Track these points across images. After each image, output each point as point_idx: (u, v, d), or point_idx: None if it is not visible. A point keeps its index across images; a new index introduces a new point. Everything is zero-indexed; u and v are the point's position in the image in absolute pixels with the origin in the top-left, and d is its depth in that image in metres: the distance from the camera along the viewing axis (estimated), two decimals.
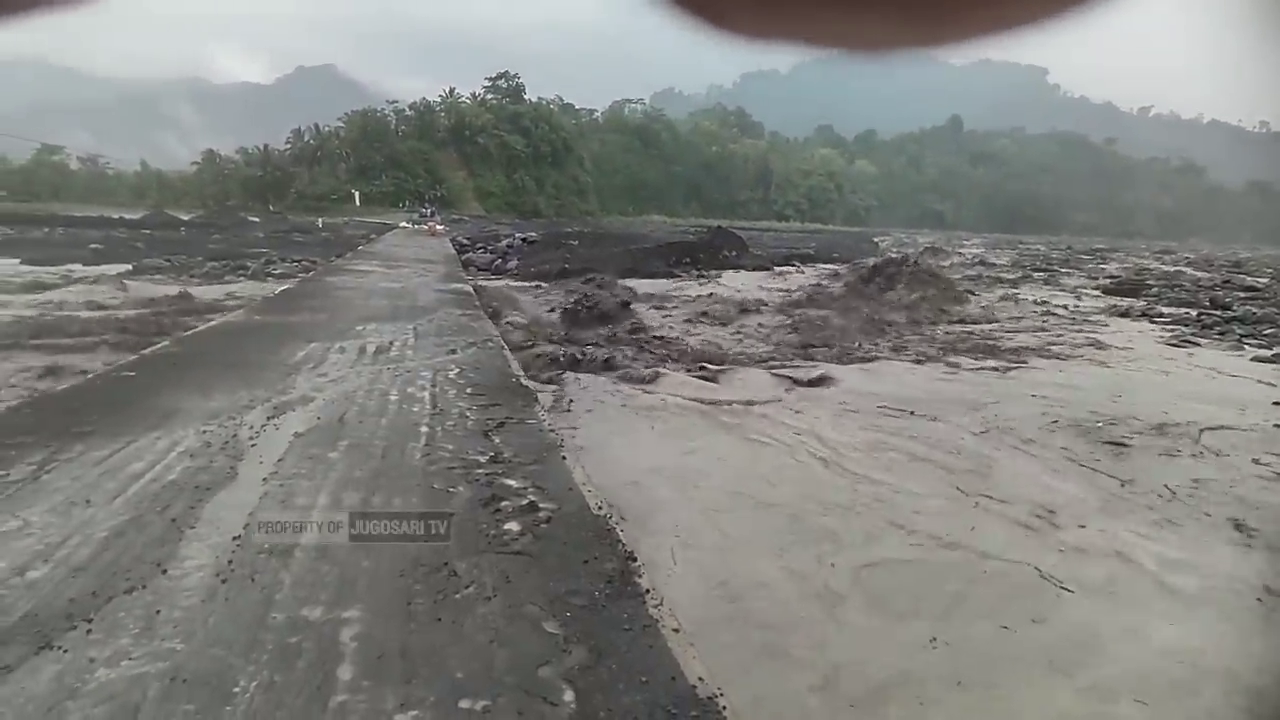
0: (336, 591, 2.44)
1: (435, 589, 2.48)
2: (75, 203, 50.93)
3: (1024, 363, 9.21)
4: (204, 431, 4.02)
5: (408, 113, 74.27)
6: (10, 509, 2.94)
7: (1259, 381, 8.54)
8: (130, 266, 16.22)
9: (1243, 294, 18.98)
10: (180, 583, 2.44)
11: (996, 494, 4.70)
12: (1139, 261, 34.62)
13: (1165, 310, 15.72)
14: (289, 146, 66.96)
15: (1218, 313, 15.03)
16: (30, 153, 58.48)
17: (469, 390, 5.40)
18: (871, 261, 18.38)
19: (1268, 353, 10.74)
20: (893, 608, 3.31)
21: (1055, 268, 29.35)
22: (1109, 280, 22.97)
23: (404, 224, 39.77)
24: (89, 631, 2.15)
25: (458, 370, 6.06)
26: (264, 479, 3.44)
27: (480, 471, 3.67)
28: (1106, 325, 13.02)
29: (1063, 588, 3.49)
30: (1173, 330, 12.85)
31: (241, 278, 15.57)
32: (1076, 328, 12.56)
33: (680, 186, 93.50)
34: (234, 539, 2.79)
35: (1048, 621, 3.21)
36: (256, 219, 43.27)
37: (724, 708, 1.93)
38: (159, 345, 6.68)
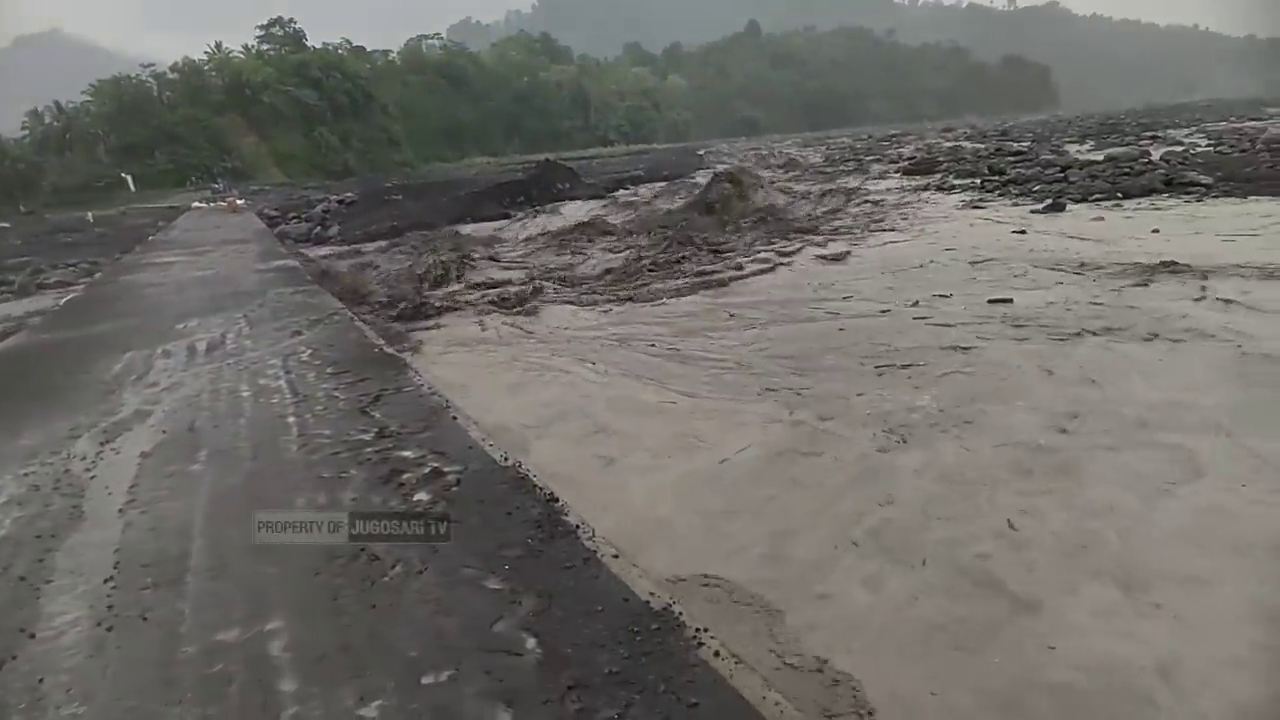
0: (249, 606, 2.25)
1: (359, 578, 2.36)
2: None
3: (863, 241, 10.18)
4: (25, 475, 3.45)
5: (170, 76, 64.12)
6: None
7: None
8: None
9: (1012, 158, 21.63)
10: (57, 643, 2.15)
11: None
12: (928, 142, 38.15)
13: (955, 182, 17.62)
14: (26, 133, 55.90)
15: (996, 178, 17.10)
16: None
17: (330, 370, 5.03)
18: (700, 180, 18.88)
19: (1039, 205, 12.75)
20: None
21: (861, 157, 31.69)
22: (907, 162, 25.20)
23: (197, 204, 35.18)
24: None
25: (310, 351, 5.60)
26: (120, 510, 3.05)
27: (370, 450, 3.47)
28: (920, 201, 14.56)
29: None
30: (964, 197, 14.73)
31: (7, 295, 13.14)
32: (893, 207, 13.95)
33: (498, 123, 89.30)
34: (106, 581, 2.47)
35: None
36: (5, 224, 36.17)
37: (680, 614, 2.04)
38: None
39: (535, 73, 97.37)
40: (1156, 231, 9.32)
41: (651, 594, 2.13)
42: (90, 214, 35.69)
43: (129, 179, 49.85)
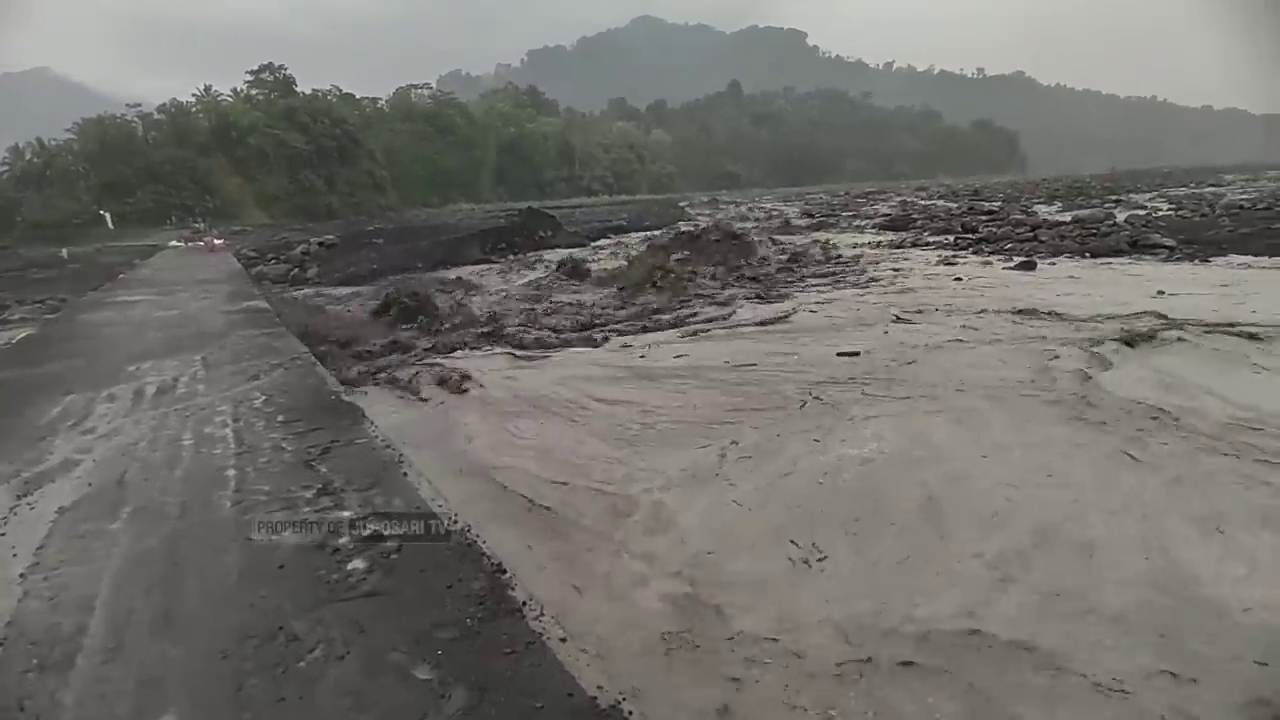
0: (138, 698, 1.97)
1: (272, 662, 2.09)
2: None
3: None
4: None
5: (156, 117, 64.38)
6: None
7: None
8: None
9: (984, 217, 22.18)
10: None
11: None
12: (904, 199, 39.17)
13: (930, 239, 17.95)
14: (5, 168, 55.56)
15: (969, 235, 17.46)
16: None
17: (281, 418, 4.76)
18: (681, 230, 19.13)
19: (1010, 261, 12.99)
20: None
21: (839, 213, 32.36)
22: (882, 218, 25.74)
23: (174, 243, 34.86)
24: None
25: (264, 398, 5.32)
26: (20, 575, 2.75)
27: (309, 510, 3.21)
28: (894, 258, 14.73)
29: None
30: (938, 254, 14.93)
31: None
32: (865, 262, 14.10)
33: (484, 171, 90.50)
34: None
35: None
36: None
37: (629, 713, 1.80)
38: None
39: (522, 124, 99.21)
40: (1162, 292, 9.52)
41: (600, 687, 1.89)
42: (65, 250, 35.09)
43: (107, 216, 49.34)
